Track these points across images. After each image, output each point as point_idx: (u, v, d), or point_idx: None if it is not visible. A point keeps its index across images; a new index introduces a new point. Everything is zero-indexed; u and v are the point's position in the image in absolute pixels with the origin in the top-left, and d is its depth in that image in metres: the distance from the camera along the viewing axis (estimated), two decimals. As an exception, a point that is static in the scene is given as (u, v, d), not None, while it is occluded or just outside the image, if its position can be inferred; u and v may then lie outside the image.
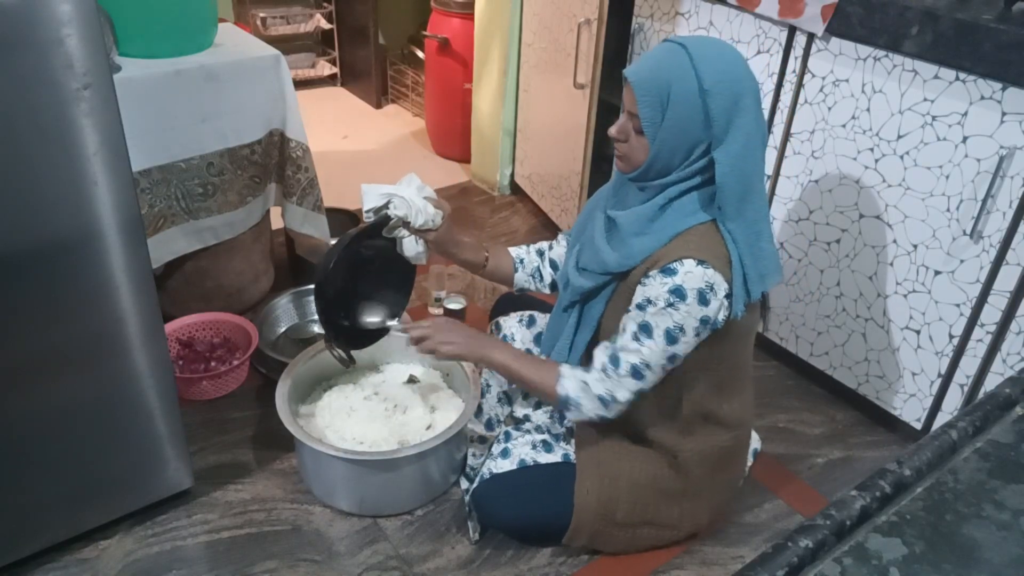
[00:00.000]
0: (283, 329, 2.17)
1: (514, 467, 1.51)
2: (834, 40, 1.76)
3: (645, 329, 1.28)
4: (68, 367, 1.34)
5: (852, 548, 0.57)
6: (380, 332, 1.62)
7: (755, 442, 1.75)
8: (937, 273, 1.69)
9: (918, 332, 1.76)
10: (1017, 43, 1.44)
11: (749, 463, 1.71)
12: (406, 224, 1.46)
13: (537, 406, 1.68)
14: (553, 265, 1.64)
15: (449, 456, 1.65)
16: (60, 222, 1.23)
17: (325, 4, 3.92)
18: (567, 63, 2.38)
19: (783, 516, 1.69)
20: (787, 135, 1.93)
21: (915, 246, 1.72)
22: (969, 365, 1.69)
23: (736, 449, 1.53)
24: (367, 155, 3.43)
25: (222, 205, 1.99)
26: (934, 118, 1.61)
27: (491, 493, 1.51)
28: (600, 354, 1.35)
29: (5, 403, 1.30)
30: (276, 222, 2.34)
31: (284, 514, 1.62)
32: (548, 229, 2.80)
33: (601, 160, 2.53)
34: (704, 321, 1.28)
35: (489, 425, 1.75)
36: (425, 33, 3.24)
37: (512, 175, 3.08)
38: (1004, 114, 1.51)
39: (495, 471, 1.52)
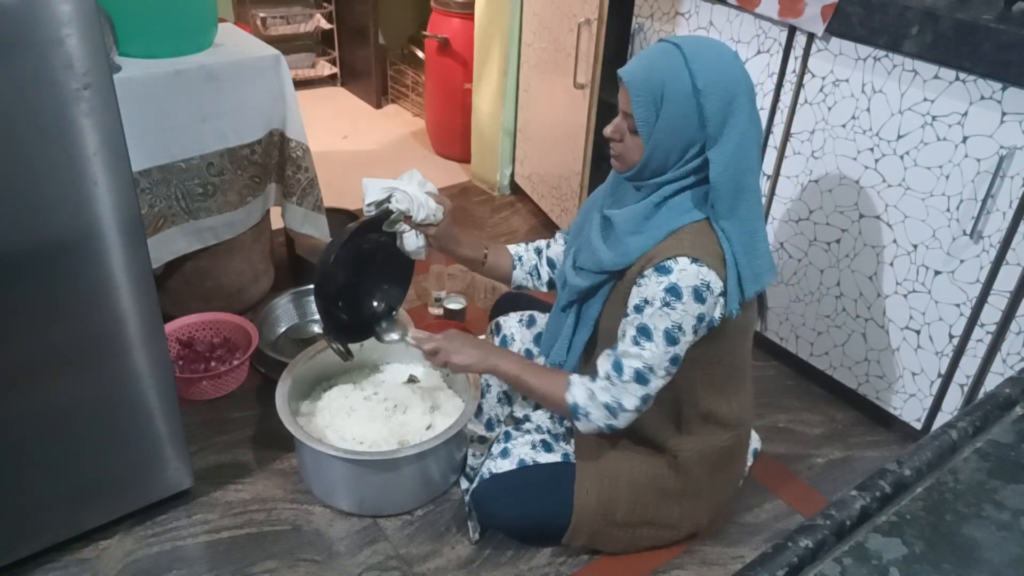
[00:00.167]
0: (283, 329, 2.17)
1: (514, 467, 1.51)
2: (834, 40, 1.76)
3: (644, 332, 1.28)
4: (68, 367, 1.34)
5: (852, 548, 0.57)
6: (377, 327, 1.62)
7: (755, 442, 1.75)
8: (937, 273, 1.69)
9: (918, 332, 1.76)
10: (1017, 43, 1.44)
11: (749, 463, 1.71)
12: (407, 218, 1.46)
13: (537, 406, 1.68)
14: (550, 263, 1.64)
15: (449, 456, 1.65)
16: (60, 222, 1.23)
17: (325, 4, 3.92)
18: (567, 63, 2.38)
19: (783, 516, 1.69)
20: (787, 135, 1.93)
21: (915, 246, 1.72)
22: (969, 365, 1.69)
23: (736, 449, 1.53)
24: (367, 155, 3.43)
25: (222, 205, 1.99)
26: (934, 118, 1.61)
27: (491, 493, 1.51)
28: (603, 362, 1.35)
29: (5, 403, 1.30)
30: (276, 222, 2.34)
31: (284, 514, 1.62)
32: (548, 229, 2.80)
33: (601, 160, 2.52)
34: (701, 319, 1.28)
35: (489, 425, 1.75)
36: (425, 33, 3.24)
37: (512, 175, 3.08)
38: (1004, 114, 1.51)
39: (495, 471, 1.52)
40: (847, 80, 1.75)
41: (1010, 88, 1.48)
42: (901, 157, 1.69)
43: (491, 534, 1.59)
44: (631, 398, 1.32)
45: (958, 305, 1.67)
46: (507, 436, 1.60)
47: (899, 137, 1.69)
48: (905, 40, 1.60)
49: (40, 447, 1.37)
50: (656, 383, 1.32)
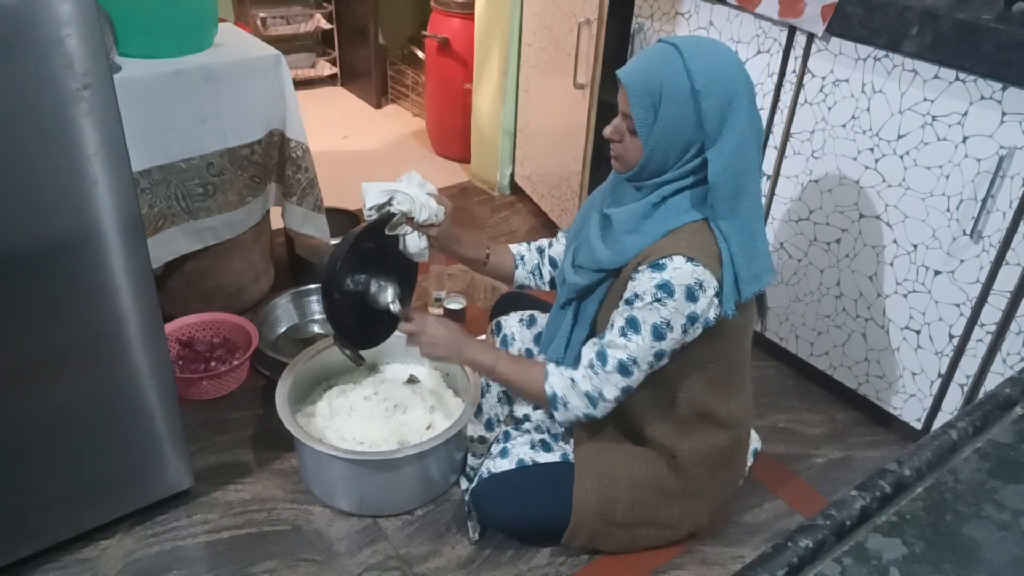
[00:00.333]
0: (283, 329, 2.17)
1: (513, 467, 1.51)
2: (834, 40, 1.76)
3: (632, 324, 1.29)
4: (68, 367, 1.34)
5: (852, 548, 0.57)
6: (387, 331, 1.62)
7: (755, 442, 1.75)
8: (937, 273, 1.69)
9: (918, 332, 1.76)
10: (1017, 43, 1.44)
11: (749, 463, 1.71)
12: (409, 220, 1.46)
13: (537, 406, 1.68)
14: (552, 263, 1.64)
15: (449, 456, 1.65)
16: (60, 222, 1.23)
17: (325, 4, 3.92)
18: (567, 63, 2.38)
19: (783, 516, 1.69)
20: (787, 135, 1.93)
21: (915, 246, 1.72)
22: (969, 365, 1.69)
23: (735, 449, 1.53)
24: (367, 155, 3.43)
25: (222, 205, 1.99)
26: (934, 118, 1.61)
27: (490, 493, 1.51)
28: (587, 351, 1.36)
29: (5, 403, 1.30)
30: (276, 222, 2.34)
31: (284, 514, 1.62)
32: (548, 229, 2.80)
33: (601, 160, 2.52)
34: (692, 318, 1.28)
35: (489, 425, 1.75)
36: (425, 33, 3.24)
37: (512, 175, 3.08)
38: (1004, 114, 1.51)
39: (494, 471, 1.52)
40: (847, 80, 1.75)
41: (1010, 88, 1.48)
42: (901, 157, 1.69)
43: (491, 534, 1.59)
44: (612, 388, 1.33)
45: (958, 305, 1.67)
46: (507, 436, 1.60)
47: (899, 137, 1.69)
48: (905, 40, 1.60)
49: (40, 447, 1.37)
50: (638, 376, 1.33)
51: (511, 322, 1.77)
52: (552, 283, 1.65)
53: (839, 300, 1.92)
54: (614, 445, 1.49)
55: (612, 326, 1.32)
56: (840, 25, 1.72)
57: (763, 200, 2.02)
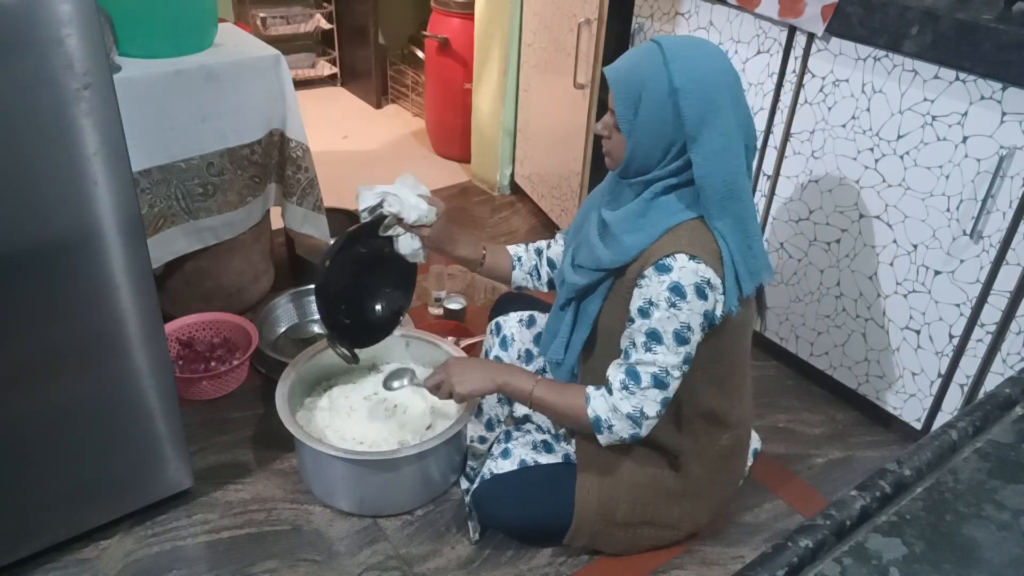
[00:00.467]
0: (283, 329, 2.17)
1: (515, 467, 1.51)
2: (834, 40, 1.76)
3: (654, 337, 1.28)
4: (68, 367, 1.34)
5: (852, 548, 0.57)
6: (384, 331, 1.63)
7: (755, 442, 1.75)
8: (937, 273, 1.69)
9: (918, 332, 1.76)
10: (1017, 43, 1.44)
11: (749, 463, 1.71)
12: (400, 221, 1.46)
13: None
14: (551, 264, 1.64)
15: (449, 456, 1.65)
16: (60, 222, 1.23)
17: (325, 4, 3.92)
18: (567, 63, 2.38)
19: (783, 516, 1.69)
20: (787, 135, 1.93)
21: (915, 246, 1.72)
22: (969, 365, 1.69)
23: (736, 449, 1.53)
24: (367, 155, 3.43)
25: (222, 205, 1.99)
26: (934, 118, 1.61)
27: (491, 493, 1.51)
28: (616, 373, 1.33)
29: (5, 403, 1.30)
30: (276, 222, 2.34)
31: (284, 514, 1.62)
32: (548, 229, 2.80)
33: (601, 160, 2.51)
34: (707, 316, 1.28)
35: (489, 425, 1.75)
36: (425, 33, 3.24)
37: (512, 175, 3.08)
38: (1004, 114, 1.51)
39: (495, 471, 1.52)
40: (847, 80, 1.75)
41: (1010, 88, 1.48)
42: (901, 157, 1.69)
43: (491, 534, 1.59)
44: (652, 404, 1.31)
45: (958, 305, 1.67)
46: (507, 436, 1.60)
47: (899, 137, 1.69)
48: (905, 40, 1.60)
49: (40, 447, 1.37)
50: (674, 385, 1.31)
51: (510, 322, 1.77)
52: (551, 284, 1.64)
53: (839, 300, 1.92)
54: (616, 445, 1.49)
55: (635, 344, 1.30)
56: (840, 25, 1.72)
57: (764, 200, 2.03)
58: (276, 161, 2.10)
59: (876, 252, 1.80)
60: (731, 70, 1.27)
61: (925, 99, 1.62)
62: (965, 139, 1.57)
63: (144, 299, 1.37)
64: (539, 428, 1.62)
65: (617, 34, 2.37)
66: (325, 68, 4.07)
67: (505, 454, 1.55)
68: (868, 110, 1.73)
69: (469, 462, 1.69)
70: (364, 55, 3.86)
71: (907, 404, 1.84)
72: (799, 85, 1.86)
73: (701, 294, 1.26)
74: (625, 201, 1.35)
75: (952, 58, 1.54)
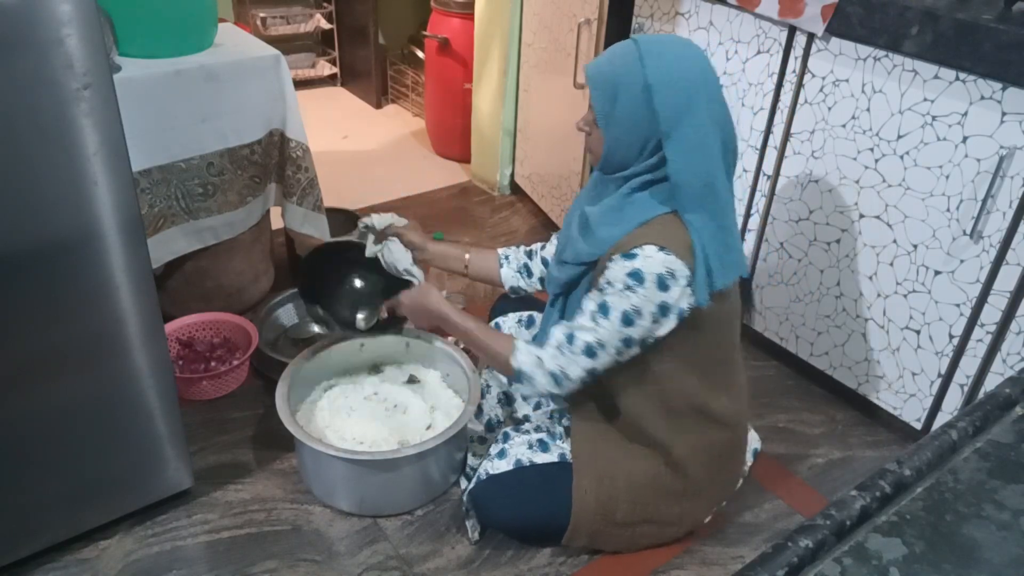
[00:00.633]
0: (283, 329, 2.17)
1: (511, 468, 1.51)
2: (834, 40, 1.76)
3: (603, 309, 1.32)
4: (68, 367, 1.34)
5: (852, 548, 0.57)
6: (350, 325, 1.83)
7: (755, 442, 1.75)
8: (937, 273, 1.69)
9: (918, 332, 1.76)
10: (1017, 43, 1.44)
11: (749, 463, 1.71)
12: (372, 229, 1.70)
13: (536, 406, 1.68)
14: (545, 263, 1.67)
15: (449, 456, 1.65)
16: (60, 222, 1.23)
17: (325, 4, 3.92)
18: (567, 63, 2.38)
19: (783, 516, 1.69)
20: (787, 135, 1.93)
21: (915, 246, 1.72)
22: (969, 365, 1.69)
23: (732, 445, 1.53)
24: (367, 155, 3.43)
25: (222, 205, 1.99)
26: (934, 118, 1.61)
27: (488, 494, 1.51)
28: (557, 331, 1.39)
29: (5, 403, 1.30)
30: (276, 222, 2.34)
31: (284, 514, 1.62)
32: (548, 229, 2.80)
33: (601, 160, 2.53)
34: (663, 307, 1.29)
35: (489, 426, 1.75)
36: (425, 33, 3.24)
37: (512, 175, 3.08)
38: (1004, 114, 1.51)
39: (492, 472, 1.52)
40: (847, 80, 1.75)
41: (1010, 88, 1.48)
42: (901, 157, 1.69)
43: (491, 534, 1.59)
44: (577, 369, 1.36)
45: (958, 305, 1.67)
46: (506, 437, 1.61)
47: (899, 137, 1.69)
48: (905, 40, 1.60)
49: (40, 447, 1.37)
50: (604, 359, 1.35)
51: (509, 323, 1.78)
52: (542, 282, 1.68)
53: (839, 300, 1.92)
54: (612, 444, 1.49)
55: (583, 310, 1.35)
56: (840, 25, 1.72)
57: (764, 200, 2.03)
58: (276, 161, 2.10)
59: (876, 252, 1.80)
60: (707, 68, 1.29)
61: (925, 99, 1.62)
62: (965, 139, 1.57)
63: (144, 299, 1.37)
64: (537, 428, 1.62)
65: (617, 34, 2.36)
66: (325, 68, 4.07)
67: (501, 454, 1.55)
68: (868, 110, 1.73)
69: (470, 462, 1.69)
70: (364, 55, 3.86)
71: (907, 404, 1.84)
72: (799, 85, 1.86)
73: (661, 285, 1.27)
74: (606, 196, 1.38)
75: (952, 58, 1.54)
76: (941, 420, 1.78)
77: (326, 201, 2.20)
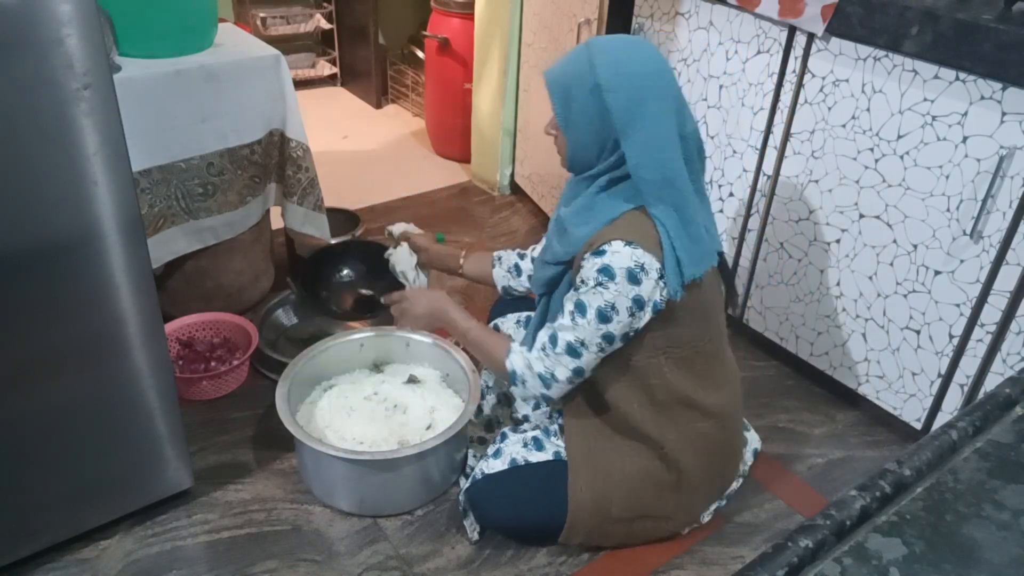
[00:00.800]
0: (283, 329, 2.17)
1: (505, 467, 1.52)
2: (834, 40, 1.76)
3: (579, 308, 1.34)
4: (68, 367, 1.34)
5: (852, 548, 0.57)
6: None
7: (755, 442, 1.75)
8: (937, 273, 1.69)
9: (918, 332, 1.76)
10: (1017, 43, 1.44)
11: (749, 463, 1.71)
12: (391, 234, 1.91)
13: (536, 406, 1.68)
14: (535, 262, 1.68)
15: (449, 456, 1.65)
16: (60, 222, 1.23)
17: (325, 4, 3.92)
18: (567, 63, 2.38)
19: (783, 516, 1.69)
20: (787, 135, 1.93)
21: (915, 246, 1.72)
22: (969, 365, 1.69)
23: (724, 437, 1.53)
24: (367, 155, 3.43)
25: (222, 205, 1.99)
26: (934, 118, 1.61)
27: (484, 494, 1.52)
28: (542, 334, 1.42)
29: (5, 403, 1.30)
30: (276, 222, 2.34)
31: (284, 514, 1.62)
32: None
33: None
34: (637, 301, 1.31)
35: (489, 426, 1.75)
36: (425, 33, 3.24)
37: (512, 175, 3.08)
38: (1004, 114, 1.51)
39: (487, 471, 1.52)
40: (847, 80, 1.75)
41: (1010, 88, 1.48)
42: (901, 157, 1.69)
43: (491, 534, 1.59)
44: (563, 369, 1.38)
45: (958, 305, 1.67)
46: (503, 437, 1.61)
47: (899, 137, 1.69)
48: (905, 40, 1.60)
49: (40, 447, 1.37)
50: (588, 358, 1.37)
51: (508, 323, 1.78)
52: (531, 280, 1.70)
53: (839, 300, 1.92)
54: (604, 440, 1.50)
55: (563, 310, 1.38)
56: (840, 25, 1.72)
57: (764, 200, 2.03)
58: (276, 161, 2.10)
59: (876, 252, 1.80)
60: (658, 66, 1.31)
61: (925, 99, 1.62)
62: (965, 139, 1.57)
63: (144, 299, 1.37)
64: (535, 427, 1.62)
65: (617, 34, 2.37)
66: (325, 68, 4.07)
67: (496, 454, 1.55)
68: (868, 110, 1.73)
69: (470, 462, 1.69)
70: (364, 55, 3.86)
71: (907, 404, 1.84)
72: (799, 85, 1.86)
73: (632, 278, 1.29)
74: (579, 197, 1.42)
75: (952, 58, 1.54)
76: (941, 420, 1.78)
77: (326, 201, 2.20)
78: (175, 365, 1.90)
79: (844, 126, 1.79)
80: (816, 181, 1.89)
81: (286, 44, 3.83)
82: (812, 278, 1.97)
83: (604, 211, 1.35)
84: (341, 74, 4.12)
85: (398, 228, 1.92)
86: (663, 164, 1.30)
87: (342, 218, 2.44)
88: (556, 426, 1.60)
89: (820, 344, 2.00)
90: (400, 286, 1.84)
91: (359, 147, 3.50)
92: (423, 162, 3.39)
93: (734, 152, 2.08)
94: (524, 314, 1.79)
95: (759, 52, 1.94)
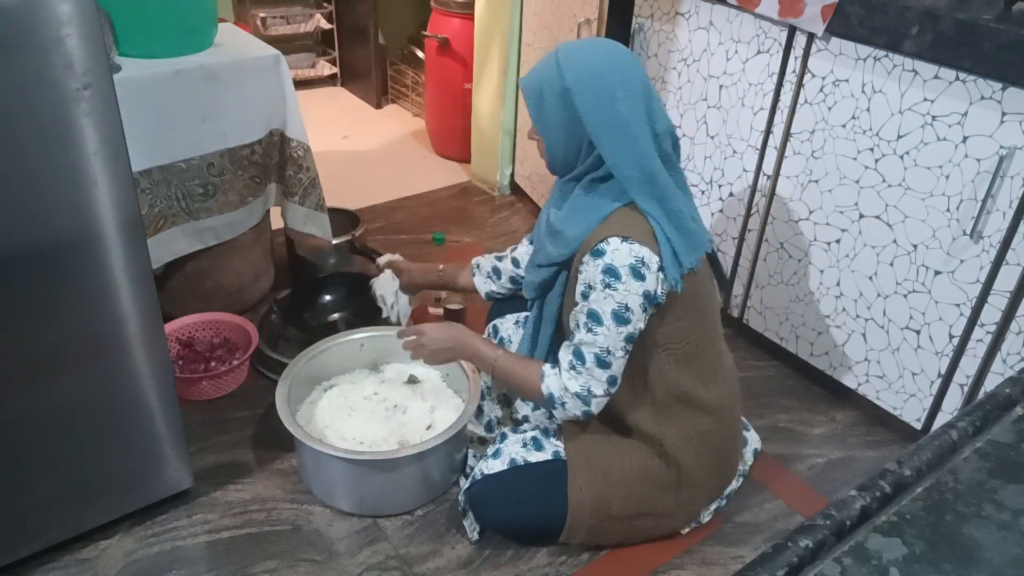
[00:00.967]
0: (283, 329, 2.17)
1: (505, 467, 1.52)
2: (834, 40, 1.76)
3: (594, 317, 1.33)
4: (68, 367, 1.34)
5: (852, 548, 0.57)
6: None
7: (755, 442, 1.75)
8: (937, 273, 1.69)
9: (918, 332, 1.76)
10: (1017, 43, 1.44)
11: (749, 463, 1.71)
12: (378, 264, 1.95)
13: (536, 407, 1.68)
14: (515, 262, 1.72)
15: (449, 456, 1.65)
16: (60, 222, 1.23)
17: (325, 4, 3.92)
18: (567, 63, 2.37)
19: (783, 516, 1.69)
20: (787, 135, 1.93)
21: (915, 246, 1.72)
22: (969, 365, 1.69)
23: (722, 434, 1.53)
24: (367, 155, 3.43)
25: (222, 205, 1.99)
26: (934, 118, 1.61)
27: (484, 494, 1.52)
28: (564, 354, 1.40)
29: (5, 403, 1.30)
30: (276, 222, 2.34)
31: (284, 514, 1.62)
32: (548, 229, 2.80)
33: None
34: (648, 296, 1.32)
35: (489, 427, 1.75)
36: (425, 33, 3.24)
37: (512, 175, 3.08)
38: (1004, 114, 1.51)
39: (486, 472, 1.52)
40: (847, 80, 1.75)
41: (1010, 88, 1.48)
42: (901, 157, 1.69)
43: (491, 534, 1.59)
44: (598, 383, 1.37)
45: (958, 305, 1.67)
46: (503, 437, 1.61)
47: (899, 137, 1.69)
48: (905, 40, 1.60)
49: (40, 447, 1.37)
50: (617, 364, 1.36)
51: (507, 324, 1.78)
52: (513, 281, 1.73)
53: (839, 300, 1.92)
54: (603, 439, 1.50)
55: (578, 325, 1.37)
56: (840, 25, 1.72)
57: (764, 200, 2.03)
58: (276, 161, 2.10)
59: (876, 252, 1.80)
60: (624, 65, 1.32)
61: (925, 99, 1.62)
62: (965, 139, 1.57)
63: (144, 299, 1.37)
64: (534, 427, 1.62)
65: (617, 34, 2.36)
66: (325, 68, 4.07)
67: (496, 454, 1.55)
68: (868, 110, 1.73)
69: (470, 462, 1.69)
70: (364, 55, 3.86)
71: (907, 404, 1.84)
72: (799, 85, 1.86)
73: (637, 275, 1.30)
74: (568, 198, 1.42)
75: (952, 58, 1.54)
76: (941, 420, 1.78)
77: (326, 201, 2.20)
78: (175, 365, 1.90)
79: (844, 126, 1.79)
80: (816, 181, 1.89)
81: (286, 44, 3.83)
82: (812, 278, 1.97)
83: (595, 210, 1.35)
84: (341, 74, 4.12)
85: (384, 259, 1.95)
86: (638, 160, 1.31)
87: (342, 218, 2.44)
88: (555, 426, 1.60)
89: (820, 344, 2.00)
90: (378, 311, 1.89)
91: (359, 147, 3.50)
92: (423, 162, 3.39)
93: (734, 152, 2.08)
94: (523, 314, 1.79)
95: (759, 52, 1.94)
